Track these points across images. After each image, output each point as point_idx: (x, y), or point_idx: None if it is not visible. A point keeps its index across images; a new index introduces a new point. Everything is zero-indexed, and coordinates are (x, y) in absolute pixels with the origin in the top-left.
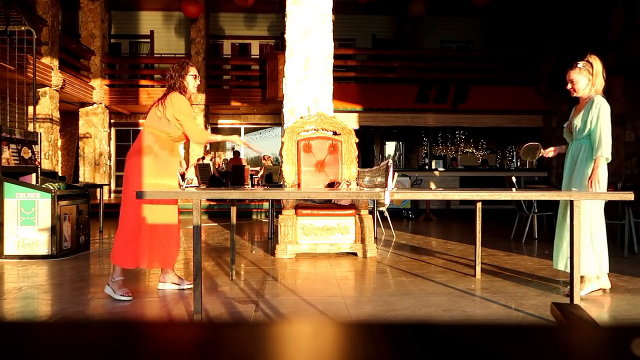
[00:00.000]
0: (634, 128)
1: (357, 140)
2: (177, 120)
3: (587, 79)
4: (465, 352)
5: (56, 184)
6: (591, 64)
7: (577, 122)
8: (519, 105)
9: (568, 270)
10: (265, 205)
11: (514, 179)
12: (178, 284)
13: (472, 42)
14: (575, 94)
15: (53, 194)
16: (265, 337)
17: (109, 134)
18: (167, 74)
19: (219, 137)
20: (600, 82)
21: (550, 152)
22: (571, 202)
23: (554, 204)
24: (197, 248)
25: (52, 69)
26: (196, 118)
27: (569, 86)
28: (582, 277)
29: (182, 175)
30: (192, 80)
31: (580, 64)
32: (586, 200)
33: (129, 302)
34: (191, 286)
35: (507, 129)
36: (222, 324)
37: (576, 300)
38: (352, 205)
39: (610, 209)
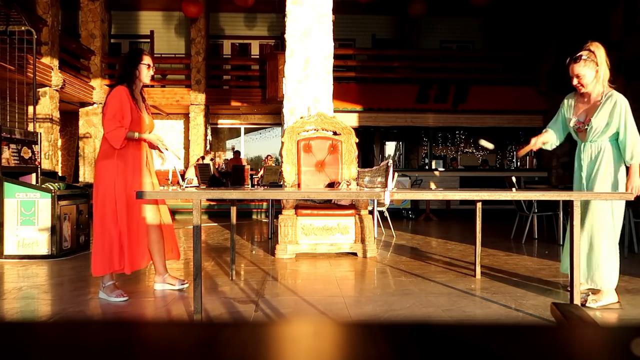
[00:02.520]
0: None
1: (357, 140)
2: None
3: (594, 70)
4: (465, 352)
5: (56, 184)
6: (594, 53)
7: (597, 124)
8: (519, 105)
9: (594, 284)
10: (265, 205)
11: (514, 179)
12: (173, 285)
13: (472, 42)
14: (583, 90)
15: (53, 194)
16: (265, 337)
17: None
18: (118, 64)
19: (135, 135)
20: (606, 71)
21: (537, 145)
22: (571, 202)
23: (554, 204)
24: (197, 248)
25: (52, 69)
26: (117, 116)
27: (575, 82)
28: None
29: (182, 175)
30: (144, 69)
31: (584, 54)
32: (607, 203)
33: (125, 302)
34: (186, 286)
35: (507, 129)
36: (222, 324)
37: (576, 301)
38: (352, 205)
39: None
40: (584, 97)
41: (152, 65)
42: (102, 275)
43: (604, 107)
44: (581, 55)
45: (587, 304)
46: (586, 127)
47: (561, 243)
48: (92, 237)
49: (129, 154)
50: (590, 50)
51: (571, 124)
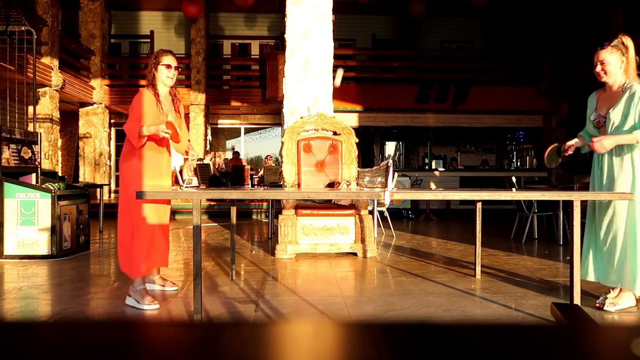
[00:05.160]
0: None
1: (357, 140)
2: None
3: (620, 60)
4: (465, 352)
5: (56, 184)
6: (625, 46)
7: (615, 116)
8: (519, 105)
9: (601, 281)
10: (265, 205)
11: (514, 179)
12: (163, 286)
13: (472, 42)
14: (604, 78)
15: (53, 194)
16: (265, 337)
17: (109, 134)
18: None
19: (152, 129)
20: (634, 66)
21: (571, 148)
22: (571, 202)
23: (554, 204)
24: (197, 248)
25: (52, 69)
26: (138, 119)
27: (598, 68)
28: (619, 289)
29: (181, 173)
30: (163, 69)
31: (614, 42)
32: (626, 203)
33: (157, 310)
34: (175, 288)
35: (507, 129)
36: (222, 324)
37: (576, 301)
38: (352, 205)
39: None
40: (606, 91)
41: (174, 64)
42: (133, 279)
43: (622, 99)
44: (610, 42)
45: (604, 308)
46: (604, 120)
47: (561, 243)
48: (113, 238)
49: (151, 156)
50: (621, 42)
51: (591, 118)
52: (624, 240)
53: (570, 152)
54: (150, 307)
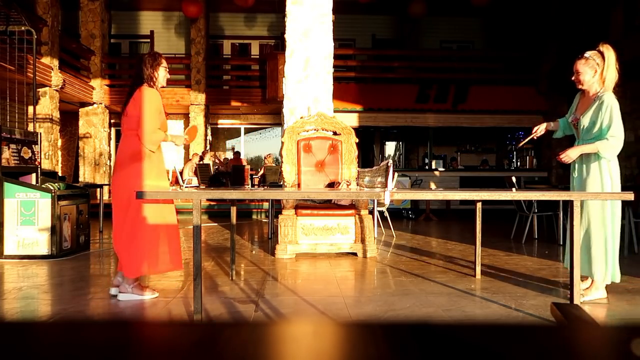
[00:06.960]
0: (634, 128)
1: (357, 140)
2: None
3: (594, 70)
4: (465, 352)
5: (56, 184)
6: (602, 54)
7: (585, 121)
8: (519, 105)
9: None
10: (265, 205)
11: (514, 179)
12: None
13: (472, 42)
14: (580, 86)
15: (53, 194)
16: (265, 337)
17: (109, 134)
18: (135, 63)
19: (168, 138)
20: (612, 76)
21: (539, 131)
22: (571, 202)
23: (554, 204)
24: (197, 248)
25: (52, 69)
26: (158, 119)
27: (574, 77)
28: (591, 281)
29: (181, 174)
30: (163, 72)
31: (588, 53)
32: (598, 202)
33: (156, 297)
34: (156, 295)
35: (507, 129)
36: (222, 324)
37: (576, 301)
38: (352, 205)
39: None
40: (585, 95)
41: (168, 68)
42: (127, 278)
43: (592, 106)
44: (584, 54)
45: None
46: (578, 122)
47: (561, 242)
48: (112, 237)
49: (155, 157)
50: (599, 51)
51: (569, 120)
52: (592, 234)
53: (538, 134)
54: (151, 296)
